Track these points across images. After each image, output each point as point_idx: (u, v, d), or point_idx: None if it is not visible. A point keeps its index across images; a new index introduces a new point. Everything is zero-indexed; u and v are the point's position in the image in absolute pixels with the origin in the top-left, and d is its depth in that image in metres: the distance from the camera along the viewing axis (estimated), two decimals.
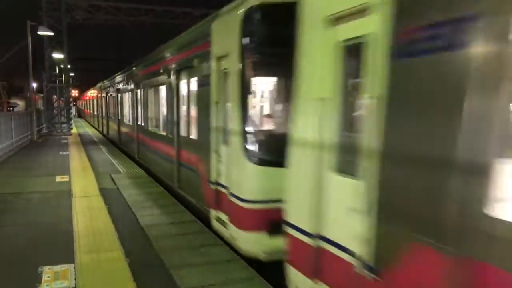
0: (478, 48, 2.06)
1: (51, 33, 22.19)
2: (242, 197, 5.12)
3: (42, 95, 28.99)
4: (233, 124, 5.31)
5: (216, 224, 6.09)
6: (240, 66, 5.16)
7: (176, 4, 29.73)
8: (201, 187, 6.77)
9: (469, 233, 2.07)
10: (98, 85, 29.64)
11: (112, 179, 10.39)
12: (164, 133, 9.50)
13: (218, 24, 5.98)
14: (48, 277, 4.58)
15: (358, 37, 2.97)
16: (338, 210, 3.23)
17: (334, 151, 3.32)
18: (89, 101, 40.82)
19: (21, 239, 5.91)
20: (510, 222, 1.86)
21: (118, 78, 18.39)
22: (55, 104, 26.99)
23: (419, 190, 2.38)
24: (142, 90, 12.29)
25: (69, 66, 28.43)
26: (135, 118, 13.48)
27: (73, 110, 41.96)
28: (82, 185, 9.53)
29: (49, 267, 4.83)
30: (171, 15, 29.43)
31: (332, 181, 3.31)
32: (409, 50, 2.47)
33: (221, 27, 5.88)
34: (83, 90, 55.56)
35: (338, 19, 3.16)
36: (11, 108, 46.65)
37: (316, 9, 3.46)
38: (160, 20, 29.57)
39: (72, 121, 28.62)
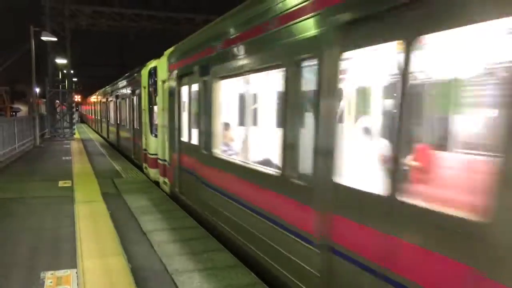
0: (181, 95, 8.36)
1: (55, 39, 22.32)
2: (151, 153, 11.34)
3: (45, 100, 29.10)
4: (147, 119, 11.88)
5: (145, 171, 12.16)
6: (148, 91, 11.88)
7: (178, 10, 29.88)
8: (141, 153, 12.86)
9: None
10: (97, 92, 34.02)
11: (115, 184, 10.42)
12: (128, 127, 15.95)
13: (143, 71, 12.23)
14: (51, 282, 4.59)
15: (167, 87, 9.23)
16: (166, 149, 9.48)
17: (166, 128, 9.33)
18: (89, 106, 46.10)
19: (24, 244, 5.92)
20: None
21: (107, 89, 25.06)
22: (58, 109, 27.08)
23: (171, 136, 8.84)
24: (120, 100, 18.59)
25: (72, 71, 28.56)
26: (116, 119, 19.90)
27: (76, 115, 42.19)
28: (85, 190, 9.56)
29: (52, 272, 4.85)
30: (174, 21, 29.58)
31: (166, 140, 9.43)
32: (168, 92, 9.05)
33: (144, 73, 12.12)
34: (85, 95, 55.76)
35: (163, 81, 9.67)
36: (14, 113, 46.84)
37: (160, 76, 10.19)
38: (163, 26, 29.72)
39: (74, 126, 28.72)
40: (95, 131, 34.02)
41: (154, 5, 30.05)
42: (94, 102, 36.00)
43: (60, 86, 26.85)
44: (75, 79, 40.51)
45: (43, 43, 23.58)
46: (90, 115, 44.60)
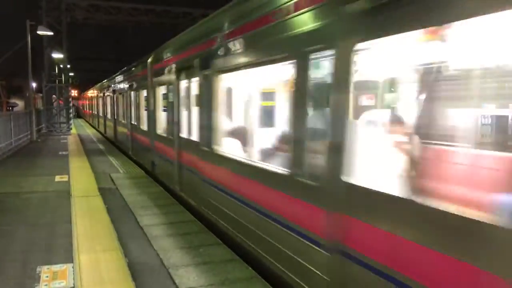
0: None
1: (51, 33, 22.13)
2: None
3: (41, 94, 28.97)
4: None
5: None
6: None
7: (176, 4, 29.74)
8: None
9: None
10: (92, 87, 35.11)
11: (111, 179, 10.38)
12: (113, 118, 19.01)
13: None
14: (47, 276, 4.57)
15: None
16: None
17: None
18: (84, 101, 47.92)
19: (20, 239, 5.90)
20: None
21: (100, 85, 26.43)
22: (55, 104, 26.99)
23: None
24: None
25: (68, 66, 28.40)
26: (106, 112, 22.62)
27: (73, 110, 42.07)
28: (81, 185, 9.53)
29: (48, 266, 4.83)
30: (171, 15, 29.43)
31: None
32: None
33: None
34: (82, 90, 55.56)
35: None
36: (10, 108, 46.65)
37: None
38: (160, 20, 29.57)
39: (71, 121, 28.60)
40: (86, 120, 34.42)
41: None
42: (88, 97, 35.07)
43: (57, 80, 26.71)
44: (71, 74, 40.35)
45: (40, 37, 23.41)
46: (85, 109, 45.35)
